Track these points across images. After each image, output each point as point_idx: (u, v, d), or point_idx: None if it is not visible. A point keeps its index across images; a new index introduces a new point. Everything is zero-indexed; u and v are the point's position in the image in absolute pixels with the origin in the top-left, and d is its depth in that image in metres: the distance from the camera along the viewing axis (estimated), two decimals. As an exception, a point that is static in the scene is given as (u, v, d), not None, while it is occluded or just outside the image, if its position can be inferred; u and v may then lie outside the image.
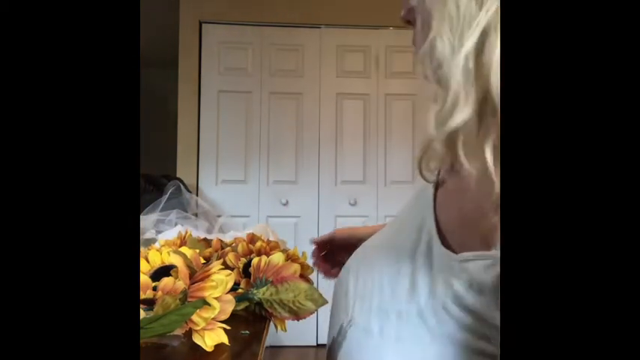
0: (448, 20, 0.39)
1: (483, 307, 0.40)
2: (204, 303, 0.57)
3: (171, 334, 0.57)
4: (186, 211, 1.64)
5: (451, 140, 0.39)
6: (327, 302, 0.72)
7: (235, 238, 0.90)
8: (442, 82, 0.40)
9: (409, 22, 0.53)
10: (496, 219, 0.35)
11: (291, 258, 0.78)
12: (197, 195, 2.80)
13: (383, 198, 3.11)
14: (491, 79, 0.36)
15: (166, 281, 0.63)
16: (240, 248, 0.82)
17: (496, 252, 0.37)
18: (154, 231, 1.30)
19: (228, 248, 0.86)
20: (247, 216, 3.05)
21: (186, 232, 0.92)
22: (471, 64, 0.37)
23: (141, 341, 0.54)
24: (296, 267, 0.75)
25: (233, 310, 0.62)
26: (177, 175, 2.86)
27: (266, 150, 3.09)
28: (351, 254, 0.62)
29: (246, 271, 0.77)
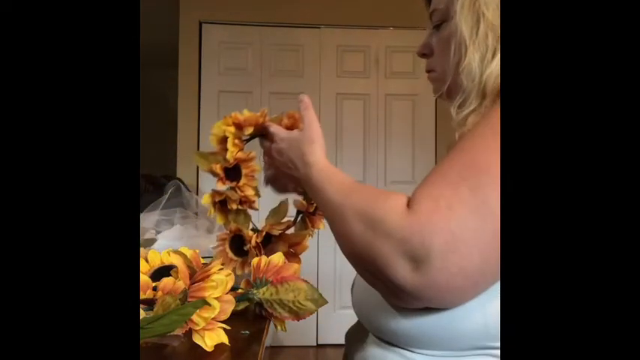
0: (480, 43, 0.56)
1: None
2: (204, 303, 0.57)
3: (171, 334, 0.57)
4: (187, 211, 1.64)
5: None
6: (326, 302, 0.72)
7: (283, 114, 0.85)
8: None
9: (425, 55, 0.68)
10: None
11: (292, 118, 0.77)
12: (197, 195, 2.79)
13: (383, 198, 3.10)
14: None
15: (166, 281, 0.63)
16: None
17: None
18: (153, 231, 1.30)
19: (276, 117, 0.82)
20: (247, 216, 3.04)
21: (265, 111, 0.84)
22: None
23: (141, 341, 0.54)
24: (296, 267, 0.75)
25: (233, 310, 0.62)
26: (177, 175, 2.86)
27: (266, 150, 3.07)
28: None
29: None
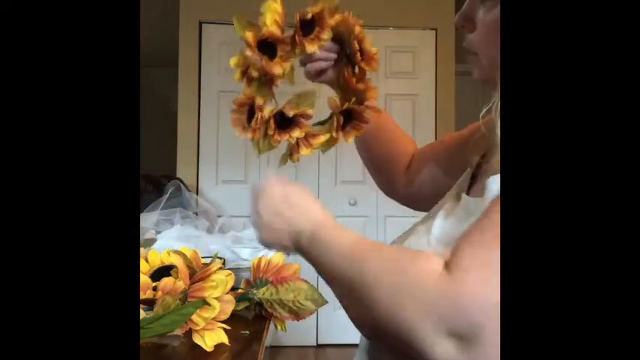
0: None
1: None
2: (204, 303, 0.57)
3: (171, 334, 0.57)
4: (187, 211, 1.64)
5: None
6: (327, 302, 0.72)
7: None
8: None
9: (463, 27, 0.57)
10: None
11: None
12: (197, 195, 2.80)
13: (383, 198, 3.09)
14: None
15: (166, 281, 0.63)
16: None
17: None
18: (153, 231, 1.29)
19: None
20: (247, 216, 3.03)
21: None
22: None
23: (141, 341, 0.54)
24: (296, 267, 0.75)
25: (233, 310, 0.62)
26: (177, 175, 2.86)
27: (266, 150, 3.08)
28: None
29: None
